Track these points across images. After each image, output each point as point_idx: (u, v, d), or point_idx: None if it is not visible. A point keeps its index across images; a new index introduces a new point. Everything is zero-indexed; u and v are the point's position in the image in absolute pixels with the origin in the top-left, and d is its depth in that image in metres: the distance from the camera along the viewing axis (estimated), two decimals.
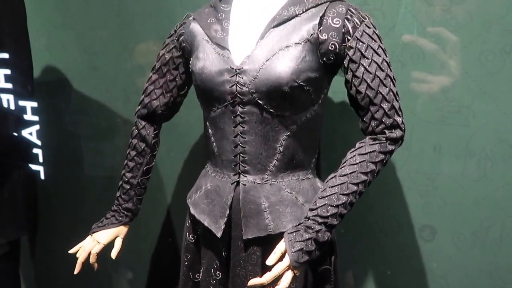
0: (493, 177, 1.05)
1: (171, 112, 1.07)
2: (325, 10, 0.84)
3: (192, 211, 0.97)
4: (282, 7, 0.87)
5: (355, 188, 0.82)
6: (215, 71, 0.86)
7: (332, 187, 0.82)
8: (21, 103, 1.46)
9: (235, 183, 0.90)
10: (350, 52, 0.83)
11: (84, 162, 1.53)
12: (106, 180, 1.50)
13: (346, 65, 0.84)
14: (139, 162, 1.07)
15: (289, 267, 0.79)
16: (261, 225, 0.87)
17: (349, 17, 0.83)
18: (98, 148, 1.50)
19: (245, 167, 0.89)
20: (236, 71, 0.84)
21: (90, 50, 1.43)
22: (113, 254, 1.07)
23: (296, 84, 0.82)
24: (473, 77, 1.03)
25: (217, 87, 0.86)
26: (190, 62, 0.94)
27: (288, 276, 0.79)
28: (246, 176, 0.89)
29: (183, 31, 0.97)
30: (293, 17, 0.85)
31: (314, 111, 0.88)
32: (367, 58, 0.82)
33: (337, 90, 1.12)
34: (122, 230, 1.09)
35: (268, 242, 0.87)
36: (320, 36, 0.83)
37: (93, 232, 1.08)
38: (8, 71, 1.39)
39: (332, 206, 0.81)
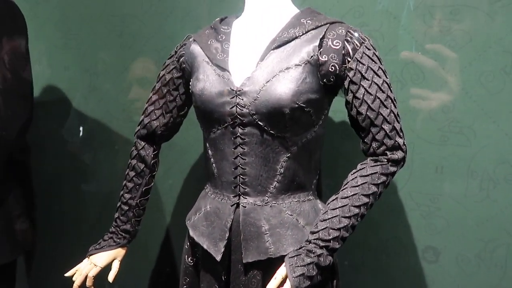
0: (497, 198, 1.04)
1: (171, 133, 1.06)
2: (325, 32, 0.84)
3: (191, 233, 0.95)
4: (282, 29, 0.88)
5: (356, 210, 0.80)
6: (215, 92, 0.86)
7: (333, 209, 0.81)
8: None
9: (235, 205, 0.88)
10: (351, 74, 0.83)
11: (83, 182, 1.52)
12: (105, 201, 1.49)
13: (346, 86, 0.84)
14: (138, 183, 1.05)
15: None
16: (262, 248, 0.86)
17: (349, 38, 0.84)
18: (97, 168, 1.49)
19: (245, 188, 0.87)
20: (236, 93, 0.84)
21: (91, 70, 1.44)
22: (110, 277, 1.05)
23: (297, 105, 0.82)
24: (474, 98, 1.03)
25: (217, 108, 0.86)
26: (190, 83, 0.94)
27: None
28: (246, 198, 0.88)
29: (183, 52, 0.97)
30: (293, 39, 0.85)
31: (314, 132, 0.88)
32: (368, 80, 0.82)
33: (337, 110, 1.12)
34: (119, 252, 1.07)
35: (269, 265, 0.85)
36: (320, 58, 0.83)
37: (90, 255, 1.06)
38: None
39: (334, 229, 0.79)
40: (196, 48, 0.94)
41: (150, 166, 1.05)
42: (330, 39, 0.84)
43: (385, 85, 0.83)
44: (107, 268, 1.06)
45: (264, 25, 0.91)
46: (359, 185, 0.82)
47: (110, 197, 1.45)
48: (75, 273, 1.04)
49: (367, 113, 0.82)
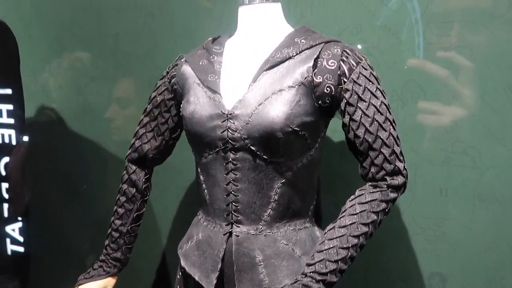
0: (506, 222, 0.99)
1: (163, 156, 1.03)
2: (320, 52, 0.81)
3: (183, 263, 0.90)
4: (275, 49, 0.84)
5: (355, 241, 0.75)
6: (205, 115, 0.82)
7: (330, 239, 0.76)
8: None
9: (228, 233, 0.84)
10: (347, 95, 0.79)
11: (75, 206, 1.48)
12: (98, 227, 1.44)
13: (343, 108, 0.80)
14: (129, 208, 1.01)
15: None
16: (256, 280, 0.81)
17: (344, 58, 0.80)
18: (91, 191, 1.45)
19: (238, 216, 0.83)
20: (227, 116, 0.80)
21: (85, 90, 1.41)
22: None
23: (290, 129, 0.78)
24: (478, 116, 0.98)
25: (208, 132, 0.82)
26: (181, 105, 0.91)
27: None
28: (239, 227, 0.83)
29: (175, 73, 0.94)
30: (286, 59, 0.82)
31: (310, 156, 0.84)
32: (365, 101, 0.78)
33: (335, 130, 1.08)
34: (110, 281, 1.03)
35: None
36: (314, 79, 0.79)
37: (79, 284, 1.01)
38: (10, 107, 1.38)
39: (331, 261, 0.74)
40: (187, 69, 0.91)
41: (141, 190, 1.02)
42: (325, 59, 0.80)
43: (383, 106, 0.79)
44: None
45: (257, 45, 0.88)
46: (357, 213, 0.77)
47: (104, 222, 1.40)
48: None
49: (365, 136, 0.78)
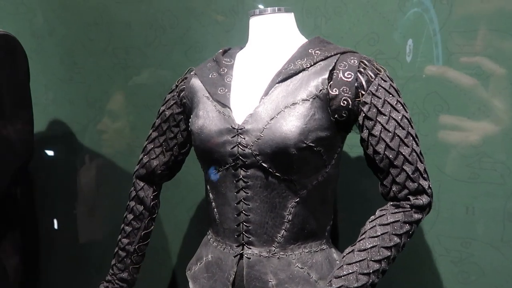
0: None
1: (172, 172, 0.99)
2: (335, 63, 0.76)
3: (191, 286, 0.86)
4: (288, 61, 0.80)
5: (376, 266, 0.69)
6: (215, 130, 0.78)
7: (349, 264, 0.71)
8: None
9: (238, 255, 0.79)
10: (365, 108, 0.74)
11: (83, 221, 1.45)
12: (105, 245, 1.40)
13: (360, 122, 0.75)
14: (136, 226, 0.97)
15: None
16: None
17: (362, 70, 0.75)
18: (100, 206, 1.42)
19: (249, 237, 0.78)
20: (237, 131, 0.76)
21: (96, 104, 1.39)
22: None
23: (305, 145, 0.73)
24: (508, 129, 0.92)
25: (217, 148, 0.78)
26: (190, 120, 0.87)
27: None
28: (250, 248, 0.78)
29: (184, 86, 0.91)
30: (300, 71, 0.78)
31: (326, 173, 0.78)
32: (384, 115, 0.73)
33: (353, 144, 1.03)
34: None
35: None
36: (330, 92, 0.75)
37: None
38: None
39: None
40: (196, 82, 0.88)
41: (149, 208, 0.98)
42: (341, 71, 0.76)
43: (405, 120, 0.73)
44: None
45: (269, 57, 0.84)
46: (378, 236, 0.71)
47: (111, 240, 1.37)
48: None
49: (385, 152, 0.73)
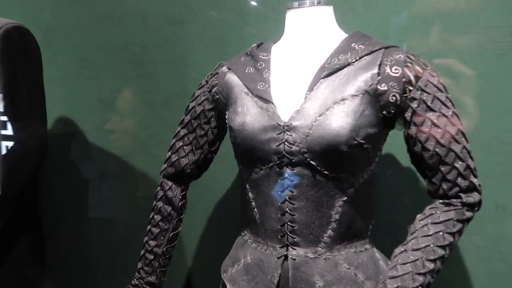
0: None
1: (201, 171, 0.95)
2: (382, 58, 0.74)
3: None
4: (330, 55, 0.78)
5: (432, 266, 0.68)
6: (258, 127, 0.75)
7: (403, 264, 0.69)
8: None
9: (283, 257, 0.76)
10: (414, 104, 0.73)
11: (96, 225, 1.39)
12: (120, 248, 1.35)
13: (408, 118, 0.74)
14: (164, 228, 0.94)
15: None
16: None
17: (409, 64, 0.74)
18: (113, 207, 1.37)
19: (295, 238, 0.75)
20: (284, 128, 0.74)
21: (107, 101, 1.34)
22: None
23: (356, 142, 0.71)
24: None
25: (261, 145, 0.75)
26: (226, 116, 0.84)
27: None
28: (295, 249, 0.76)
29: (216, 81, 0.88)
30: (345, 66, 0.75)
31: (371, 171, 0.77)
32: (435, 111, 0.72)
33: None
34: None
35: None
36: (379, 87, 0.73)
37: None
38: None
39: None
40: (232, 77, 0.84)
41: (178, 208, 0.94)
42: (388, 66, 0.74)
43: (455, 117, 0.72)
44: None
45: (309, 51, 0.81)
46: (431, 235, 0.70)
47: (126, 243, 1.32)
48: None
49: (436, 149, 0.71)
